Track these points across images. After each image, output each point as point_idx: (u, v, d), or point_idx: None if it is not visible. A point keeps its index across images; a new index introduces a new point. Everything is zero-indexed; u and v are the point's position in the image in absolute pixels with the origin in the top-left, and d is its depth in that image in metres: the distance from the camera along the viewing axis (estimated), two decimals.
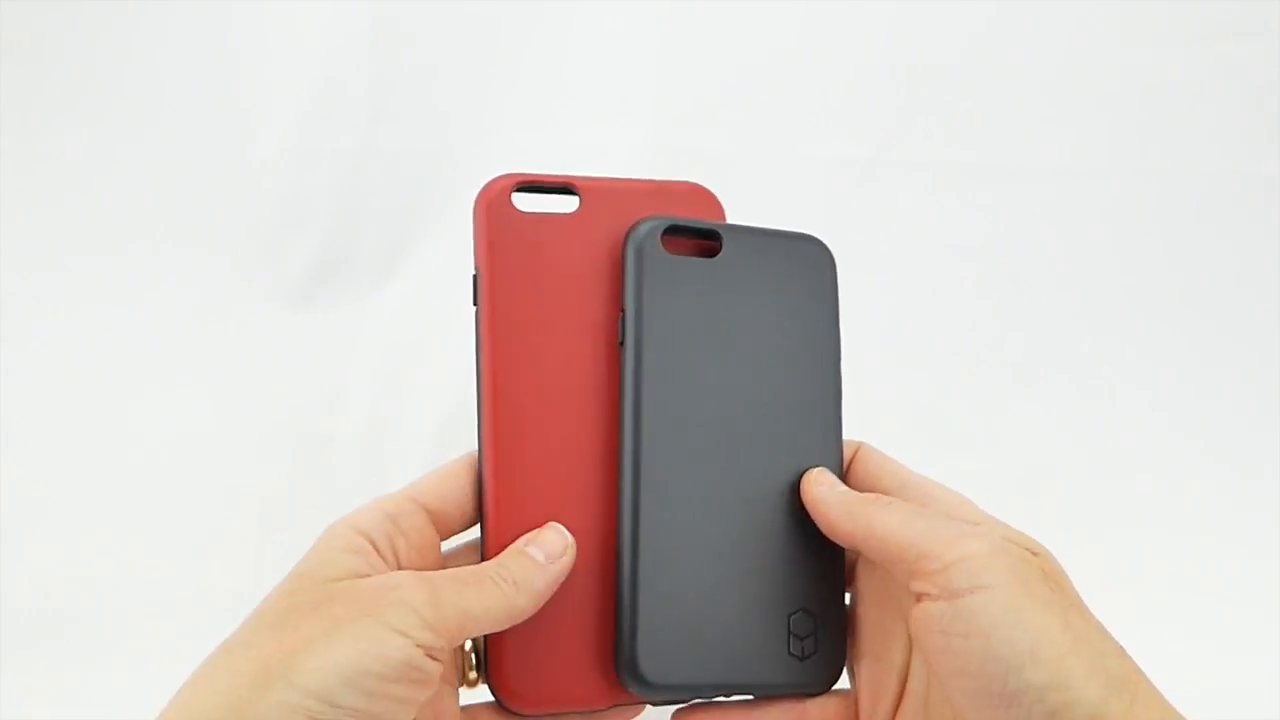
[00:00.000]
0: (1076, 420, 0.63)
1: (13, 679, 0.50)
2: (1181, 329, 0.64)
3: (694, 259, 0.37)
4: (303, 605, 0.30)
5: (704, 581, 0.35)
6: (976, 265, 0.63)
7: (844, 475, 0.37)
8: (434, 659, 0.30)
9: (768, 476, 0.36)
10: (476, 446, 0.36)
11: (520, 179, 0.37)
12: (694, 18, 0.62)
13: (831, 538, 0.35)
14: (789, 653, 0.36)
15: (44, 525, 0.56)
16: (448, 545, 0.37)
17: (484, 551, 0.35)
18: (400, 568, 0.33)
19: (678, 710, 0.36)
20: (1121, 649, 0.30)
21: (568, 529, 0.35)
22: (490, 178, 0.37)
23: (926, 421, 0.60)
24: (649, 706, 0.37)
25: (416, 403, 0.59)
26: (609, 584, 0.35)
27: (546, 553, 0.33)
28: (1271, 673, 0.54)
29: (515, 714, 0.35)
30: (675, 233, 0.36)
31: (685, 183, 0.39)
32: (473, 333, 0.36)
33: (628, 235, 0.36)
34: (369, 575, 0.31)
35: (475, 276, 0.36)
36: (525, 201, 0.37)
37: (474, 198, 0.36)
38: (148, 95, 0.60)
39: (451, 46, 0.61)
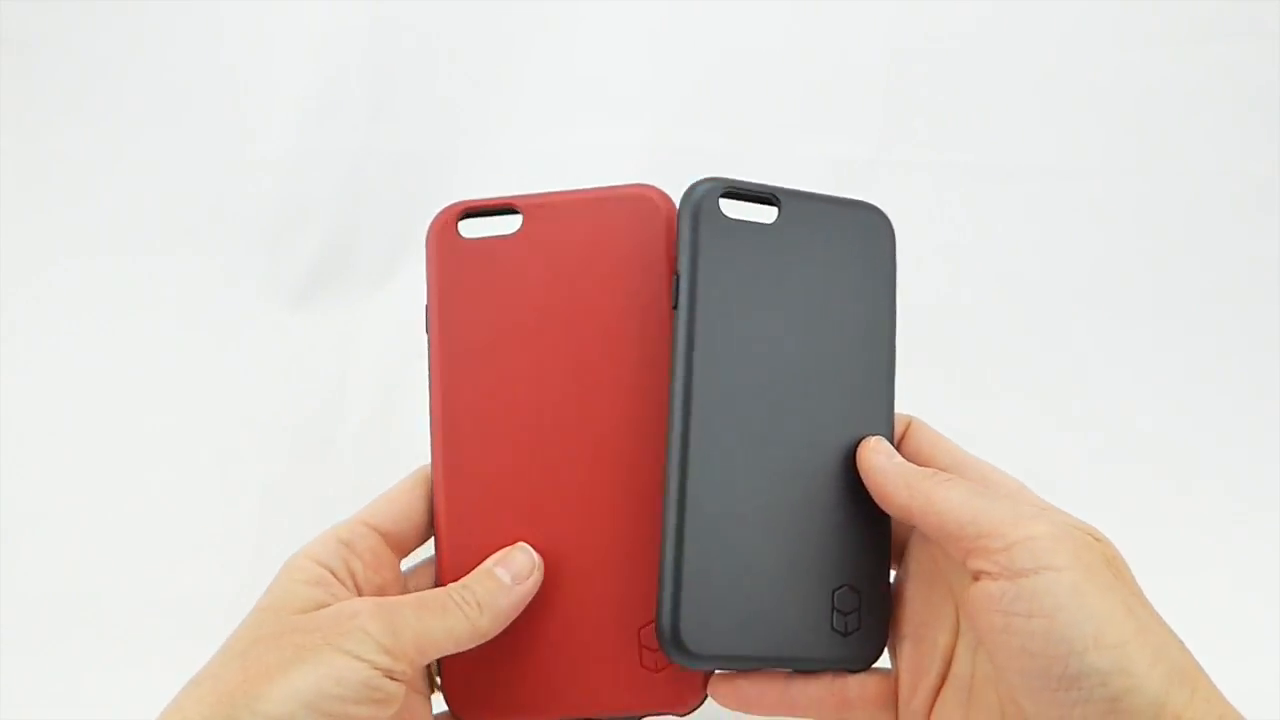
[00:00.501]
0: (1076, 420, 0.63)
1: (13, 679, 0.50)
2: (1181, 329, 0.64)
3: (750, 222, 0.36)
4: (265, 637, 0.31)
5: (749, 551, 0.34)
6: (976, 265, 0.63)
7: (896, 449, 0.37)
8: (394, 679, 0.31)
9: (819, 447, 0.36)
10: (430, 470, 0.37)
11: (464, 206, 0.38)
12: (694, 17, 0.62)
13: (885, 508, 0.35)
14: (831, 628, 0.35)
15: (44, 525, 0.56)
16: (408, 563, 0.38)
17: (438, 572, 0.36)
18: (360, 591, 0.34)
19: (716, 676, 0.36)
20: (1182, 642, 0.30)
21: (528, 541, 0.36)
22: (439, 209, 0.38)
23: (922, 419, 0.60)
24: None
25: (416, 403, 0.59)
26: (558, 599, 0.36)
27: (513, 574, 0.35)
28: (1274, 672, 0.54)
29: None
30: (732, 195, 0.36)
31: (632, 185, 0.38)
32: (426, 362, 0.37)
33: (685, 196, 0.35)
34: (330, 604, 0.32)
35: (426, 307, 0.37)
36: (474, 227, 0.38)
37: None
38: (148, 95, 0.60)
39: (451, 47, 0.61)
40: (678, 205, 0.35)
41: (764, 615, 0.34)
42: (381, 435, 0.59)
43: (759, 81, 0.63)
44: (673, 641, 0.33)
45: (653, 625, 0.34)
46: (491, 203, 0.38)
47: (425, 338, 0.37)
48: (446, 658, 0.35)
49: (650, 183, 0.38)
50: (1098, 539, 0.31)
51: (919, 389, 0.61)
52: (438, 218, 0.38)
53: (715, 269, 0.35)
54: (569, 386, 0.37)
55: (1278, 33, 0.63)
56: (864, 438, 0.36)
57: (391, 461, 0.58)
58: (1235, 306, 0.65)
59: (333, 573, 0.34)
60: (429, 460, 0.38)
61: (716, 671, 0.36)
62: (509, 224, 0.38)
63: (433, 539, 0.38)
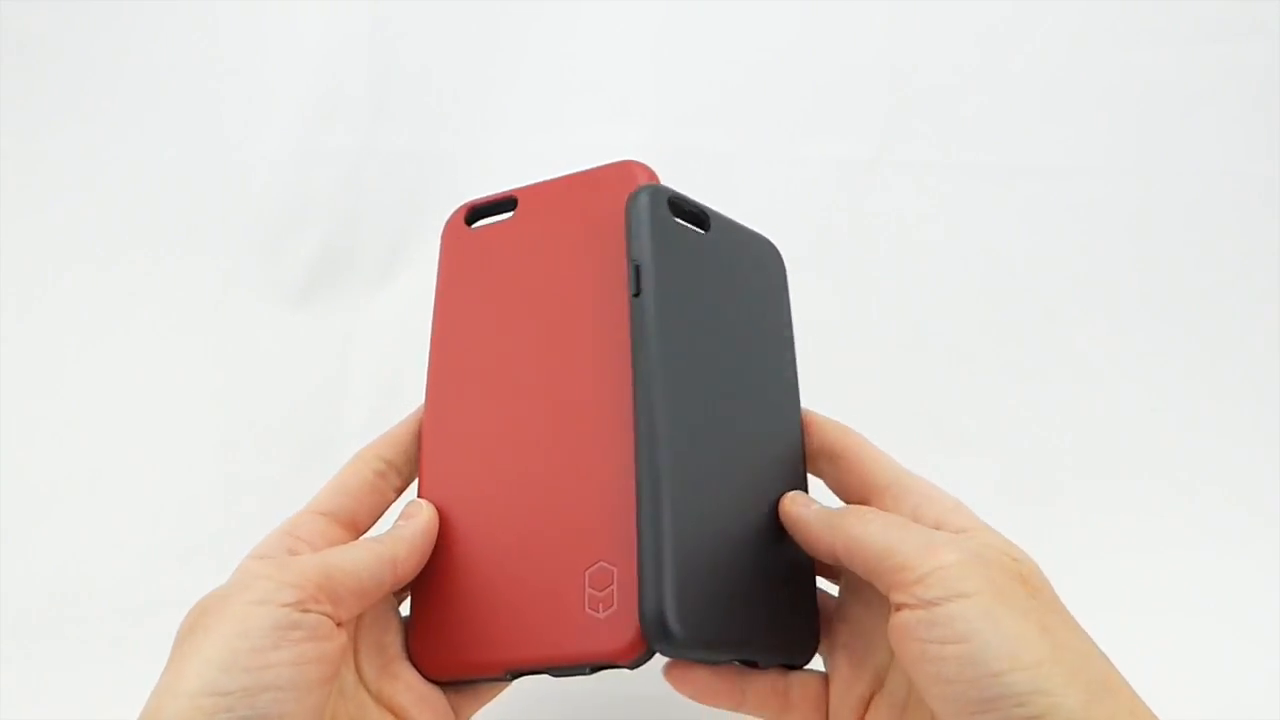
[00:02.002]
0: (1076, 420, 0.63)
1: (13, 679, 0.50)
2: (1180, 329, 0.64)
3: (692, 228, 0.38)
4: (183, 631, 0.31)
5: (722, 544, 0.34)
6: (975, 265, 0.63)
7: (834, 467, 0.38)
8: (307, 610, 0.31)
9: (760, 445, 0.37)
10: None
11: (469, 205, 0.41)
12: (694, 17, 0.62)
13: (814, 555, 0.35)
14: (783, 624, 0.36)
15: (44, 525, 0.56)
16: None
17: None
18: None
19: (670, 664, 0.35)
20: (1104, 655, 0.30)
21: (485, 498, 0.37)
22: (444, 209, 0.41)
23: (922, 419, 0.60)
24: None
25: (416, 403, 0.59)
26: (511, 548, 0.36)
27: (405, 514, 0.37)
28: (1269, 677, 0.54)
29: (429, 679, 0.36)
30: (672, 206, 0.38)
31: (616, 163, 0.41)
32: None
33: (633, 198, 0.37)
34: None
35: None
36: (481, 221, 0.41)
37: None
38: (148, 96, 0.60)
39: (451, 47, 0.61)
40: (629, 207, 0.37)
41: (740, 606, 0.34)
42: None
43: (759, 82, 0.63)
44: (658, 627, 0.32)
45: (599, 566, 0.34)
46: (491, 198, 0.41)
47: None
48: (413, 614, 0.36)
49: (637, 159, 0.40)
50: (1015, 559, 0.32)
51: (919, 388, 0.61)
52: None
53: (671, 263, 0.36)
54: (540, 350, 0.38)
55: (1278, 33, 0.63)
56: (784, 493, 0.37)
57: None
58: (1236, 307, 0.65)
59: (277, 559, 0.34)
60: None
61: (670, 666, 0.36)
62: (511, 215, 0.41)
63: (378, 517, 0.39)
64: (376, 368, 0.60)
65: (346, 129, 0.60)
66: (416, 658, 0.36)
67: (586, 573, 0.35)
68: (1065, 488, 0.62)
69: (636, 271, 0.36)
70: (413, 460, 0.39)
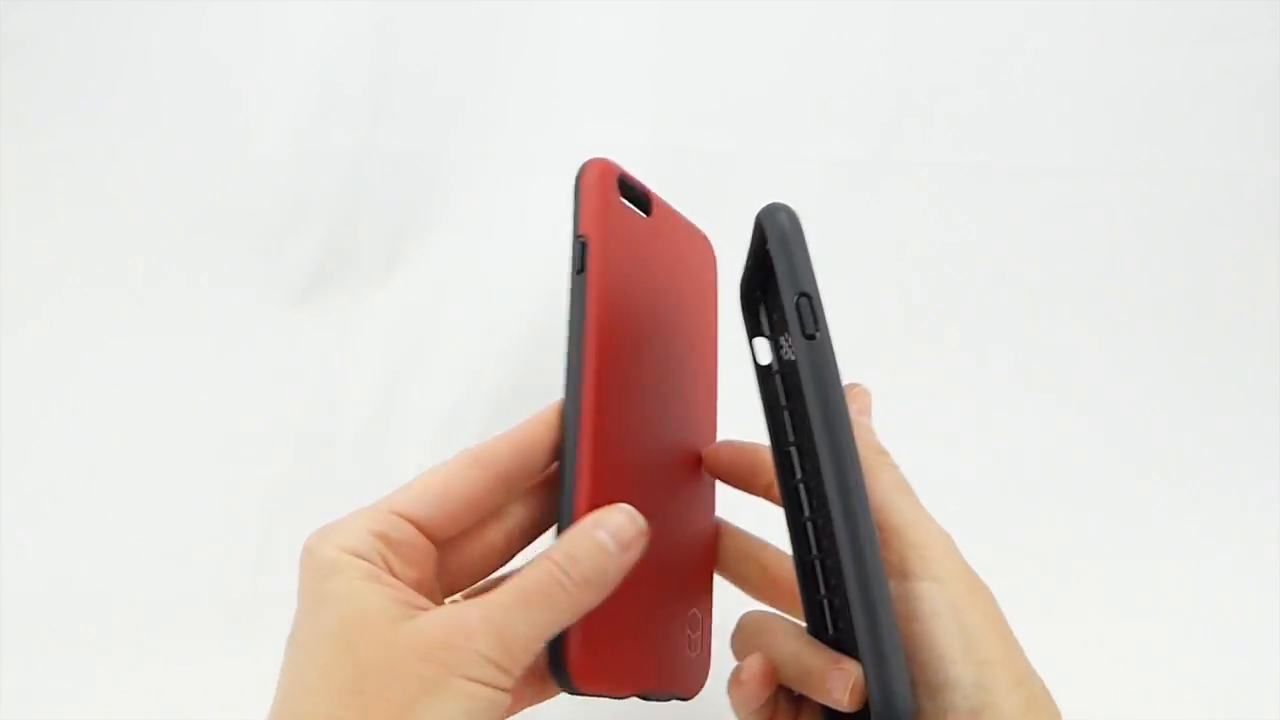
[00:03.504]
0: (1076, 419, 0.63)
1: (13, 679, 0.50)
2: (1181, 329, 0.64)
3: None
4: (376, 669, 0.28)
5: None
6: (974, 265, 0.63)
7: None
8: (507, 690, 0.29)
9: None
10: (568, 410, 0.34)
11: (620, 173, 0.37)
12: (694, 18, 0.62)
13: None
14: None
15: (44, 525, 0.56)
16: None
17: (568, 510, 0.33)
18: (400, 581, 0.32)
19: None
20: (1043, 682, 0.31)
21: (653, 510, 0.33)
22: (593, 157, 0.37)
23: (918, 418, 0.60)
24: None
25: (416, 403, 0.59)
26: (649, 588, 0.35)
27: (618, 540, 0.31)
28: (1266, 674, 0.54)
29: (570, 689, 0.33)
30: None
31: (699, 230, 0.41)
32: (571, 298, 0.35)
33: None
34: (403, 601, 0.30)
35: (582, 242, 0.35)
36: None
37: (582, 168, 0.36)
38: (147, 95, 0.60)
39: (451, 47, 0.61)
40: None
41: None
42: (381, 435, 0.59)
43: (759, 82, 0.63)
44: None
45: (693, 613, 0.37)
46: (638, 185, 0.37)
47: (575, 275, 0.35)
48: (570, 632, 0.33)
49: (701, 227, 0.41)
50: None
51: (918, 388, 0.61)
52: (604, 164, 0.36)
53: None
54: (672, 379, 0.38)
55: (1278, 33, 0.63)
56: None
57: (392, 462, 0.58)
58: (1236, 306, 0.65)
59: (378, 564, 0.31)
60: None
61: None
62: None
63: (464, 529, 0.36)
64: (376, 368, 0.60)
65: (346, 129, 0.60)
66: (575, 669, 0.33)
67: (686, 615, 0.37)
68: (1064, 488, 0.62)
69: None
70: (530, 477, 0.34)
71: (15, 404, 0.58)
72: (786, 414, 0.37)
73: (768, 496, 0.37)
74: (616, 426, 0.34)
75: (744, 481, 0.38)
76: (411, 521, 0.32)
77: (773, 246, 0.32)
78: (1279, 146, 0.64)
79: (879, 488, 0.32)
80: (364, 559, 0.30)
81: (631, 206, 0.37)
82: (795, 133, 0.62)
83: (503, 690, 0.29)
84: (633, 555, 0.31)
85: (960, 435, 0.62)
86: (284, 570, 0.55)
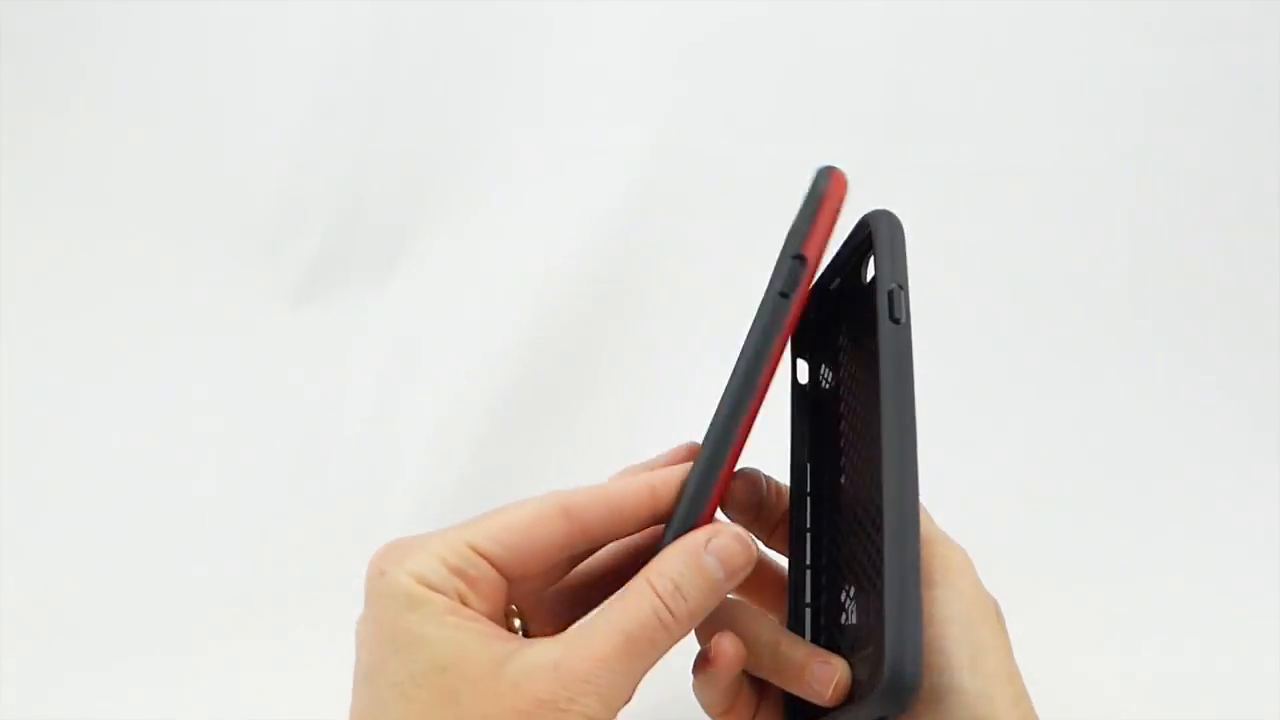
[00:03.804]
0: (1076, 419, 0.63)
1: (13, 679, 0.50)
2: (1180, 328, 0.64)
3: None
4: (476, 717, 0.27)
5: None
6: (974, 265, 0.63)
7: None
8: None
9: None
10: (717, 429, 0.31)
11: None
12: (694, 18, 0.62)
13: None
14: None
15: (44, 525, 0.56)
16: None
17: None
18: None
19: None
20: (1033, 706, 0.31)
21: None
22: (835, 165, 0.34)
23: (920, 420, 0.60)
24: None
25: (416, 402, 0.59)
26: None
27: (728, 568, 0.29)
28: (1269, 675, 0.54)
29: None
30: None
31: None
32: (762, 317, 0.31)
33: (882, 218, 0.33)
34: (489, 634, 0.29)
35: (801, 260, 0.32)
36: None
37: (836, 175, 0.33)
38: (147, 95, 0.60)
39: (450, 47, 0.61)
40: (883, 223, 0.33)
41: None
42: (381, 435, 0.59)
43: (759, 82, 0.63)
44: (913, 685, 0.27)
45: None
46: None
47: (780, 299, 0.31)
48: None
49: None
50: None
51: (917, 389, 0.61)
52: (843, 179, 0.33)
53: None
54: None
55: (1278, 33, 0.63)
56: None
57: (392, 461, 0.58)
58: (1236, 306, 0.65)
59: (455, 599, 0.29)
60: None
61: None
62: None
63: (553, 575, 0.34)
64: (376, 368, 0.60)
65: (346, 129, 0.60)
66: None
67: None
68: (1064, 487, 0.62)
69: (902, 295, 0.32)
70: (612, 535, 0.31)
71: (14, 404, 0.58)
72: (808, 431, 0.36)
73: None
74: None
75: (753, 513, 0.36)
76: (487, 558, 0.30)
77: (877, 241, 0.32)
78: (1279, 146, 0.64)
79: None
80: (440, 592, 0.29)
81: None
82: (795, 133, 0.62)
83: None
84: (734, 584, 0.29)
85: (959, 438, 0.62)
86: (283, 570, 0.55)
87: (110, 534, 0.56)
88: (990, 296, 0.63)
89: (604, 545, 0.31)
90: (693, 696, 0.35)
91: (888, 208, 0.33)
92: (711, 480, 0.30)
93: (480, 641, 0.28)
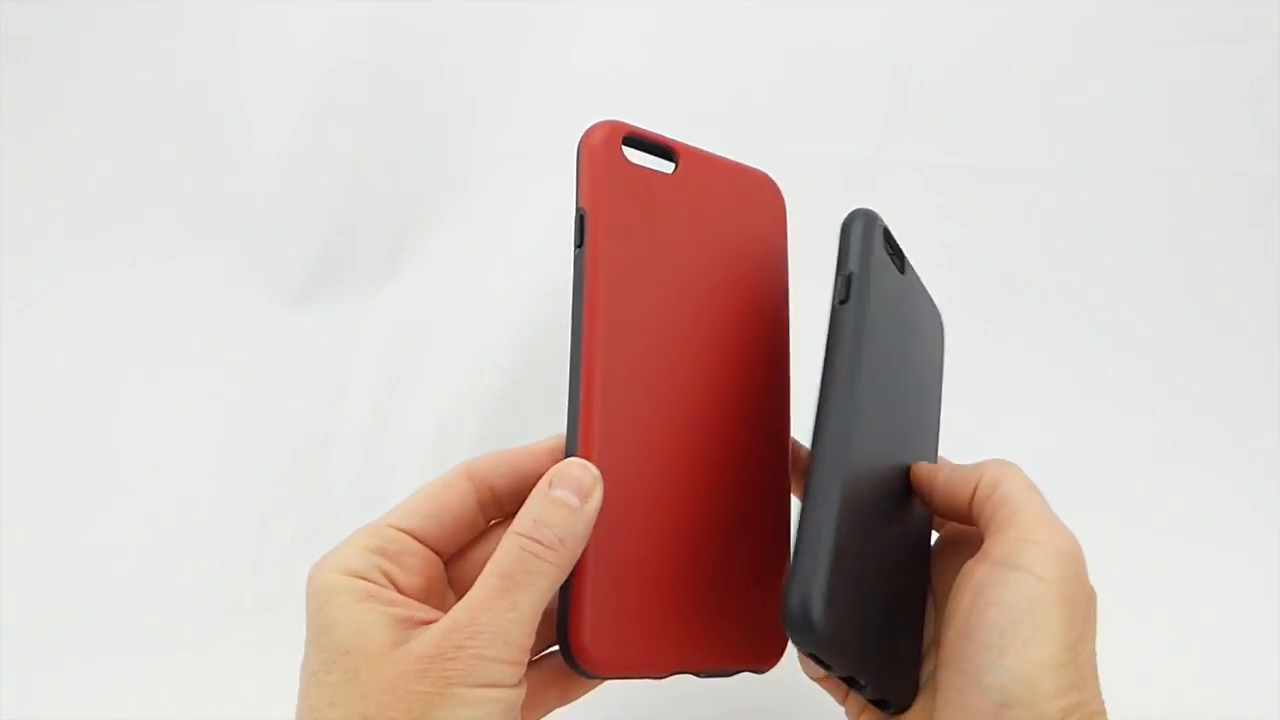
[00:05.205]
0: (1076, 419, 0.63)
1: (13, 679, 0.50)
2: (1180, 328, 0.64)
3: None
4: (375, 693, 0.29)
5: (872, 561, 0.34)
6: (973, 264, 0.63)
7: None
8: (521, 684, 0.30)
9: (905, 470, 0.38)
10: (570, 387, 0.33)
11: (628, 130, 0.35)
12: (693, 17, 0.62)
13: (940, 508, 0.36)
14: (898, 663, 0.36)
15: (44, 525, 0.56)
16: None
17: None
18: (406, 595, 0.32)
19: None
20: (1101, 698, 0.31)
21: (664, 487, 0.34)
22: (597, 121, 0.35)
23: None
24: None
25: (416, 402, 0.59)
26: (683, 562, 0.34)
27: (579, 493, 0.31)
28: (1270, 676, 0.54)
29: (590, 676, 0.33)
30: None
31: (758, 171, 0.40)
32: (573, 274, 0.34)
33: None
34: (403, 618, 0.30)
35: (581, 216, 0.34)
36: (628, 154, 0.36)
37: (581, 137, 0.35)
38: (147, 95, 0.60)
39: (451, 46, 0.61)
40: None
41: (872, 624, 0.34)
42: (381, 435, 0.59)
43: (759, 81, 0.63)
44: (807, 622, 0.30)
45: (759, 581, 0.36)
46: (654, 137, 0.36)
47: (576, 250, 0.34)
48: (574, 609, 0.32)
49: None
50: (1093, 588, 0.33)
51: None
52: (604, 128, 0.35)
53: (879, 285, 0.36)
54: (706, 344, 0.36)
55: (1278, 33, 0.63)
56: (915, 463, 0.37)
57: (392, 461, 0.58)
58: (1236, 305, 0.65)
59: (372, 582, 0.31)
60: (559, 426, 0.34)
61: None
62: (656, 163, 0.37)
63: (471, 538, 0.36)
64: (376, 368, 0.60)
65: (346, 129, 0.60)
66: (584, 653, 0.32)
67: (751, 586, 0.36)
68: (1064, 486, 0.62)
69: (848, 281, 0.35)
70: (520, 499, 0.32)
71: (14, 404, 0.58)
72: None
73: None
74: (623, 405, 0.34)
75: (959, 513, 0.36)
76: (409, 534, 0.32)
77: (842, 239, 0.36)
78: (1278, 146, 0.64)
79: (1010, 479, 0.34)
80: (363, 578, 0.31)
81: (650, 164, 0.36)
82: (795, 133, 0.62)
83: (513, 687, 0.29)
84: (596, 503, 0.31)
85: (957, 435, 0.62)
86: (283, 570, 0.55)
87: (108, 534, 0.56)
88: (988, 294, 0.63)
89: (518, 509, 0.32)
90: (694, 697, 0.35)
91: (867, 207, 0.37)
92: (574, 427, 0.33)
93: (384, 622, 0.29)
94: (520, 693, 0.30)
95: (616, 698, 0.46)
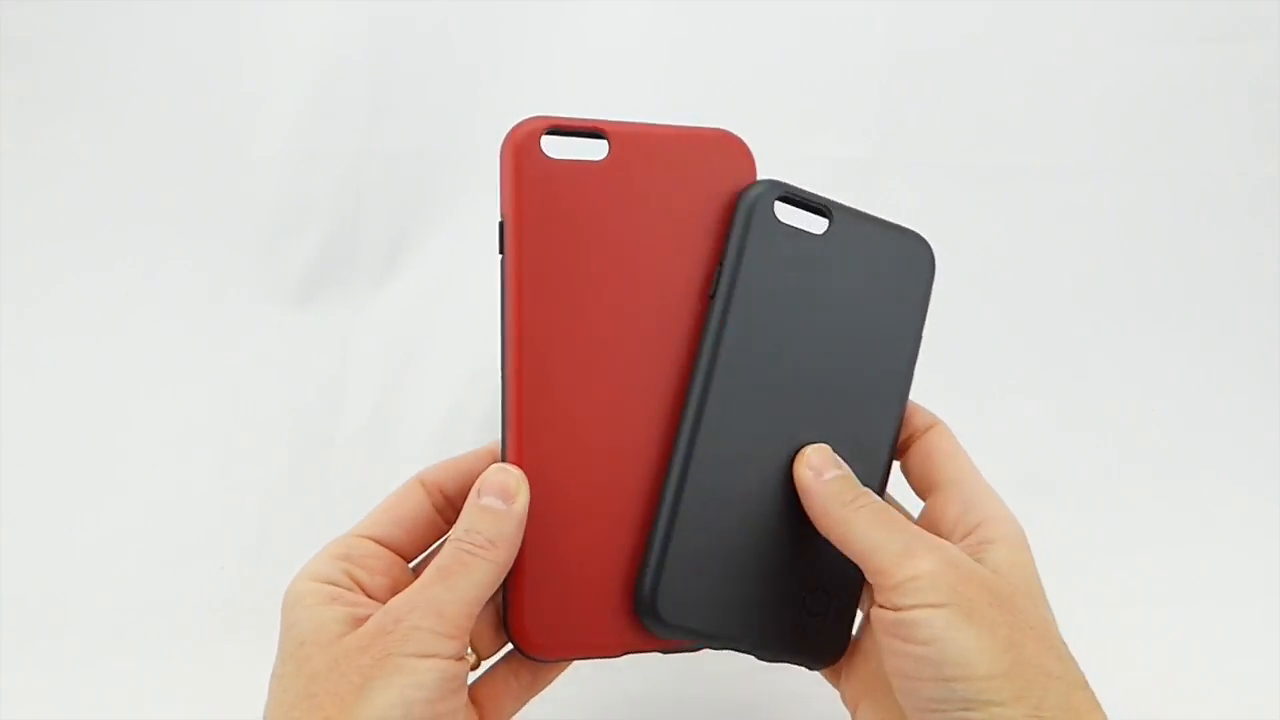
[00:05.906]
0: (1076, 419, 0.63)
1: (13, 679, 0.50)
2: (1179, 328, 0.64)
3: (800, 230, 0.37)
4: (322, 672, 0.30)
5: (737, 537, 0.36)
6: (973, 264, 0.63)
7: (905, 457, 0.40)
8: (461, 659, 0.32)
9: (825, 438, 0.38)
10: (500, 397, 0.35)
11: (549, 123, 0.35)
12: (693, 17, 0.62)
13: (817, 528, 0.36)
14: (797, 626, 0.37)
15: (44, 525, 0.56)
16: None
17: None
18: (371, 597, 0.34)
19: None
20: (1079, 679, 0.32)
21: (597, 478, 0.35)
22: (517, 121, 0.36)
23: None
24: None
25: (416, 402, 0.60)
26: (631, 534, 0.36)
27: (503, 496, 0.34)
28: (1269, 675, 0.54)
29: (535, 659, 0.35)
30: (787, 200, 0.37)
31: (713, 129, 0.38)
32: (498, 283, 0.35)
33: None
34: (361, 616, 0.32)
35: (501, 224, 0.35)
36: (555, 147, 0.36)
37: (500, 143, 0.35)
38: (147, 95, 0.60)
39: (450, 46, 0.61)
40: (739, 204, 0.36)
41: (736, 601, 0.36)
42: (381, 435, 0.59)
43: (759, 81, 0.63)
44: (648, 607, 0.35)
45: None
46: (577, 123, 0.36)
47: (499, 257, 0.35)
48: (513, 595, 0.35)
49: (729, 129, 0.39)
50: (996, 574, 0.33)
51: (916, 386, 0.61)
52: (517, 130, 0.35)
53: (759, 267, 0.36)
54: (641, 326, 0.37)
55: (1278, 33, 0.63)
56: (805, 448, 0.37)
57: (392, 461, 0.58)
58: (1235, 305, 0.65)
59: (338, 586, 0.34)
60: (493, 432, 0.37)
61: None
62: (591, 148, 0.37)
63: (432, 545, 0.38)
64: (376, 368, 0.60)
65: (346, 129, 0.60)
66: (525, 638, 0.35)
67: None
68: (1065, 485, 0.62)
69: (718, 273, 0.36)
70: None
71: (13, 404, 0.58)
72: None
73: None
74: (555, 404, 0.35)
75: None
76: (374, 540, 0.36)
77: (732, 219, 0.37)
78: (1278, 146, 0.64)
79: (859, 531, 0.34)
80: (330, 582, 0.33)
81: (586, 151, 0.36)
82: (795, 132, 0.62)
83: (450, 658, 0.31)
84: (523, 502, 0.34)
85: (960, 434, 0.62)
86: (283, 570, 0.55)
87: (108, 534, 0.56)
88: (988, 294, 0.63)
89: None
90: (696, 696, 0.36)
91: (769, 178, 0.38)
92: (504, 431, 0.35)
93: (341, 618, 0.32)
94: (461, 667, 0.32)
95: (618, 698, 0.46)
